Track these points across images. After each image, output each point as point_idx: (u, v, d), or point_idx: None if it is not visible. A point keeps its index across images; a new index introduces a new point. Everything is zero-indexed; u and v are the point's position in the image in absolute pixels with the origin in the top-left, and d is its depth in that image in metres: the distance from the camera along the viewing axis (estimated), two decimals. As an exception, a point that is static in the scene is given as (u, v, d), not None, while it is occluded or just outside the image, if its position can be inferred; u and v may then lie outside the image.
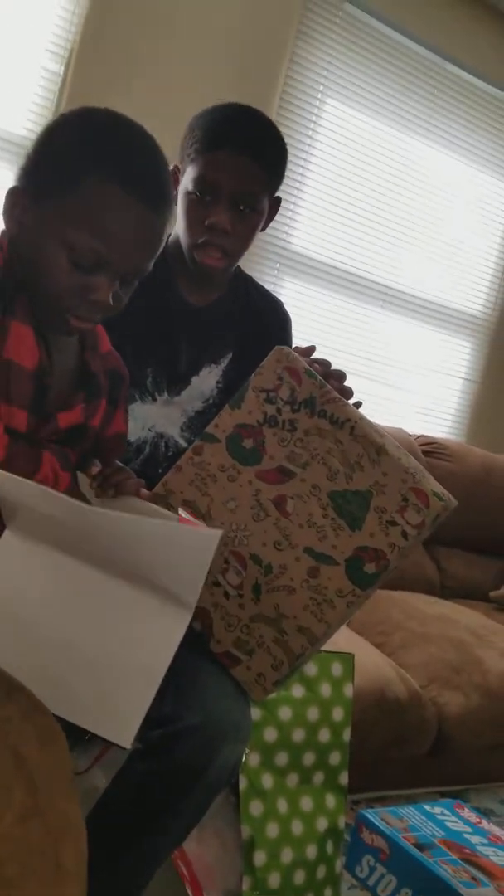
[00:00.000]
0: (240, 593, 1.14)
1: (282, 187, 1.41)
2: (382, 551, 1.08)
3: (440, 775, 2.11)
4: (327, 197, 2.88)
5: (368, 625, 2.26)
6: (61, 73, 2.44)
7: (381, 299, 3.07)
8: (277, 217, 2.70)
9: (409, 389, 3.24)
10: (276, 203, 1.43)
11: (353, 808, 1.74)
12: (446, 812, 1.79)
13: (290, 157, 2.80)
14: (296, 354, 1.14)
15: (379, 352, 3.12)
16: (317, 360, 1.20)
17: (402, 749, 1.97)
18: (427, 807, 1.78)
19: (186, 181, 1.35)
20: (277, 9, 2.66)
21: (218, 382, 1.47)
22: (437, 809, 1.78)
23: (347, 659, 1.60)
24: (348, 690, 1.58)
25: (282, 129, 2.68)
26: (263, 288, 1.58)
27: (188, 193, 1.34)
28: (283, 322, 1.56)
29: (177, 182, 1.37)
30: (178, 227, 1.38)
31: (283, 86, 2.72)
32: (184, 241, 1.37)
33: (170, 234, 1.45)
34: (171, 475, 1.19)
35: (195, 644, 1.23)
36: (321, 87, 2.80)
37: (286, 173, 1.43)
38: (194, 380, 1.45)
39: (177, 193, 1.36)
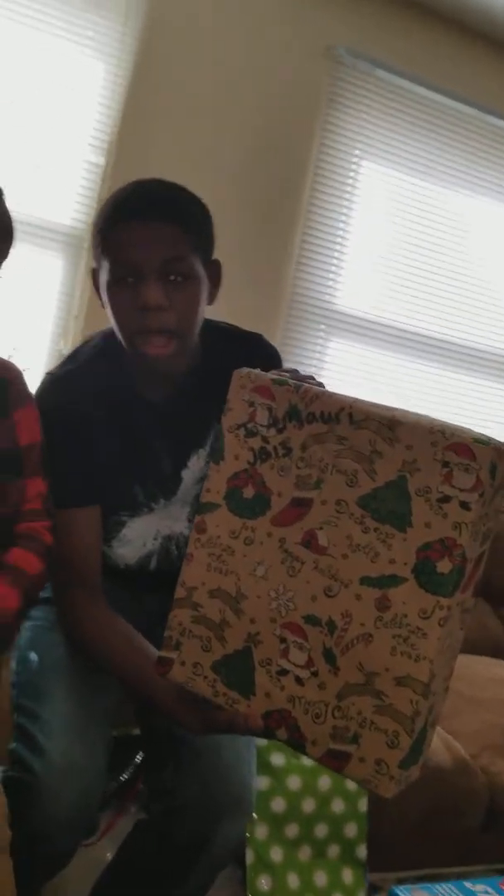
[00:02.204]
0: (313, 671, 0.93)
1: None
2: (449, 538, 0.87)
3: (496, 851, 1.97)
4: (370, 255, 2.90)
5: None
6: (103, 164, 2.58)
7: (432, 352, 3.03)
8: (320, 278, 2.79)
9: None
10: (215, 269, 1.27)
11: (381, 887, 1.66)
12: (490, 890, 1.66)
13: (329, 219, 2.84)
14: (258, 372, 1.00)
15: (433, 405, 3.07)
16: (284, 370, 1.09)
17: (447, 822, 1.86)
18: (468, 884, 1.66)
19: (104, 275, 1.20)
20: (306, 81, 2.74)
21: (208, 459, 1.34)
22: (479, 887, 1.66)
23: (362, 725, 1.55)
24: (363, 758, 1.52)
25: (318, 193, 2.78)
26: (238, 332, 1.37)
27: (109, 285, 1.19)
28: (267, 358, 1.33)
29: (98, 287, 1.24)
30: (113, 326, 1.23)
31: (317, 153, 2.77)
32: (121, 336, 1.21)
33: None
34: (185, 569, 1.02)
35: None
36: (357, 151, 2.84)
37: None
38: (185, 473, 1.32)
39: (102, 301, 1.23)
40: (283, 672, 0.95)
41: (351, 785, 1.50)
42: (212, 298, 1.26)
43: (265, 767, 1.45)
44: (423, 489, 0.88)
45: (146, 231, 1.15)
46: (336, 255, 2.84)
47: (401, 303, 2.96)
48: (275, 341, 1.38)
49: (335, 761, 0.92)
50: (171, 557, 1.35)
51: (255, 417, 0.98)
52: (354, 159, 2.84)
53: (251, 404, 0.98)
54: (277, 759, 1.47)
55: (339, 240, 2.84)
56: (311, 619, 0.93)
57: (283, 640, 0.95)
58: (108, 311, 1.22)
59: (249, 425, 0.98)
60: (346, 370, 2.92)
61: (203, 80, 2.65)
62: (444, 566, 0.87)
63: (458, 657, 0.97)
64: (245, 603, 0.97)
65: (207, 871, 1.23)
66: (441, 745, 1.89)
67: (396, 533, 0.89)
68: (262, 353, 1.34)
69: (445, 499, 0.87)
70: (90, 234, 1.21)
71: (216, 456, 1.01)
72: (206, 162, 2.64)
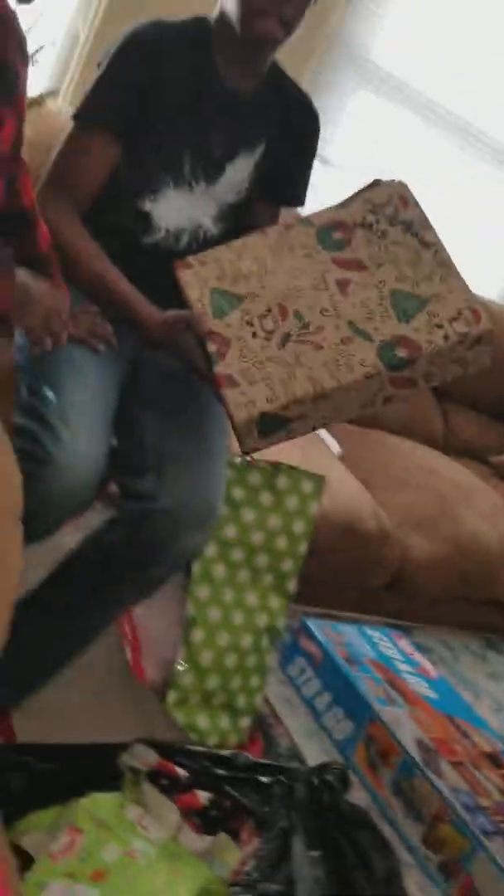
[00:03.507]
0: (267, 337, 1.20)
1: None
2: (418, 343, 1.17)
3: (391, 610, 2.22)
4: (420, 9, 2.67)
5: (358, 461, 2.31)
6: None
7: (461, 135, 2.90)
8: (360, 22, 2.57)
9: (466, 242, 3.10)
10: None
11: (300, 616, 1.85)
12: (384, 639, 1.90)
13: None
14: (412, 193, 1.28)
15: (443, 193, 2.96)
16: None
17: (360, 578, 2.07)
18: (367, 629, 1.89)
19: None
20: None
21: (250, 174, 1.46)
22: (376, 634, 1.89)
23: (318, 480, 1.66)
24: (313, 508, 1.65)
25: None
26: (296, 83, 1.51)
27: None
28: (314, 123, 1.52)
29: None
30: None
31: None
32: (238, 8, 1.30)
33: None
34: (254, 236, 1.28)
35: (192, 424, 1.32)
36: None
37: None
38: (229, 168, 1.43)
39: None
40: (249, 323, 1.21)
41: (297, 528, 1.63)
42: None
43: (227, 499, 1.54)
44: (434, 313, 1.18)
45: None
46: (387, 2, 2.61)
47: (442, 72, 2.77)
48: (301, 79, 1.60)
49: (226, 382, 1.18)
50: (196, 245, 1.43)
51: (384, 206, 1.26)
52: None
53: (390, 199, 1.27)
54: (238, 492, 1.57)
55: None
56: (298, 315, 1.21)
57: (269, 309, 1.22)
58: None
59: (377, 206, 1.26)
60: (364, 129, 2.77)
61: None
62: (401, 352, 1.17)
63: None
64: (269, 278, 1.24)
65: (161, 574, 1.33)
66: (370, 513, 2.05)
67: (394, 318, 1.19)
68: (313, 116, 1.51)
69: (440, 326, 1.18)
70: None
71: (340, 204, 1.28)
72: None
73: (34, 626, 1.26)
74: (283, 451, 1.95)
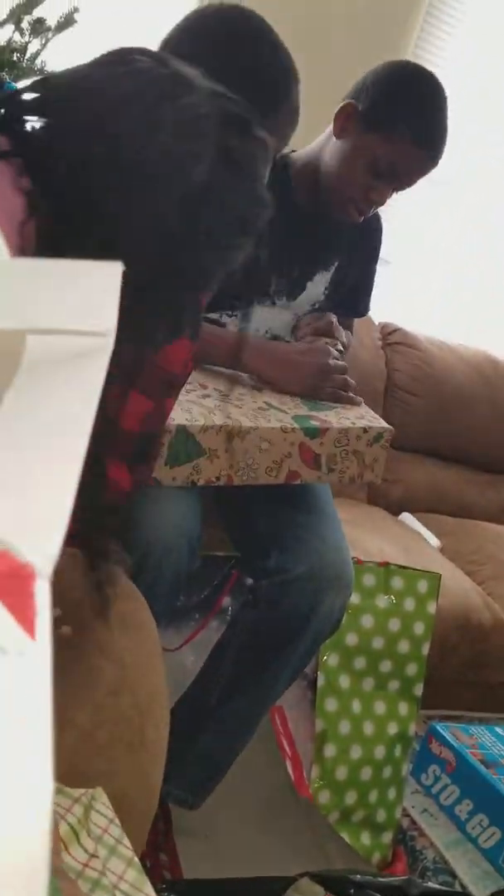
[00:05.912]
0: (187, 391, 1.23)
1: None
2: (328, 421, 1.27)
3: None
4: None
5: (459, 552, 2.28)
6: None
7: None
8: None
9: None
10: None
11: (425, 721, 1.80)
12: (517, 736, 1.82)
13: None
14: None
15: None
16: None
17: (480, 674, 2.01)
18: (499, 729, 1.82)
19: (375, 145, 1.34)
20: None
21: (325, 288, 1.52)
22: (508, 733, 1.82)
23: (434, 578, 1.64)
24: (431, 608, 1.63)
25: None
26: None
27: (370, 152, 1.34)
28: (380, 236, 1.58)
29: (348, 116, 1.36)
30: (331, 165, 1.39)
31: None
32: (334, 184, 1.39)
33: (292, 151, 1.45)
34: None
35: (299, 500, 1.35)
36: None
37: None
38: (309, 285, 1.50)
39: (345, 128, 1.36)
40: None
41: (417, 630, 1.61)
42: None
43: (343, 605, 1.54)
44: (342, 413, 1.31)
45: (427, 168, 1.38)
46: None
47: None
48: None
49: None
50: None
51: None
52: None
53: None
54: (354, 598, 1.56)
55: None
56: (217, 389, 1.25)
57: (189, 382, 1.21)
58: (344, 158, 1.37)
59: None
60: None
61: None
62: (314, 422, 1.24)
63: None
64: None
65: (310, 641, 1.32)
66: (483, 605, 2.01)
67: (308, 409, 1.29)
68: (379, 226, 1.59)
69: (346, 419, 1.29)
70: (384, 81, 1.36)
71: None
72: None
73: (196, 725, 1.31)
74: (384, 550, 1.94)
